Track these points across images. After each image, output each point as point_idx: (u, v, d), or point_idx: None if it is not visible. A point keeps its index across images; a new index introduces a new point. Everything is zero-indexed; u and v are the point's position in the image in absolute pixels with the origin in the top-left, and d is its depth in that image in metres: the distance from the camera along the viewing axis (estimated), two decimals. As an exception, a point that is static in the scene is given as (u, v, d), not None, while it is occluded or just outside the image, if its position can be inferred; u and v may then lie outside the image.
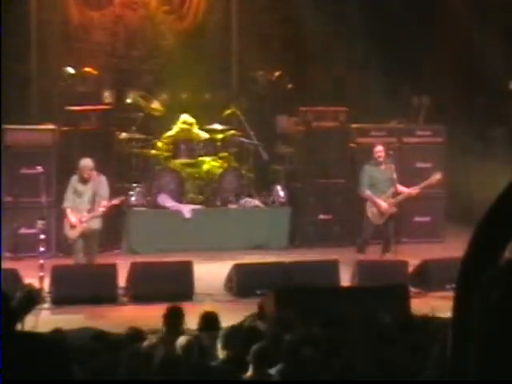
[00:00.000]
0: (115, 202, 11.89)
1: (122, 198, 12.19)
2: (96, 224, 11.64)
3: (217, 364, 6.46)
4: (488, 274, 0.79)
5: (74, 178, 11.82)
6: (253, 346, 6.34)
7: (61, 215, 12.17)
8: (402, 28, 14.64)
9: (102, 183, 11.79)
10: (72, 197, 11.70)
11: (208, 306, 10.52)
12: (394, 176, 12.63)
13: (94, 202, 11.68)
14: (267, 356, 6.30)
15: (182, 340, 6.86)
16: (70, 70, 14.40)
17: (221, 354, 6.81)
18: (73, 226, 11.60)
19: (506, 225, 0.85)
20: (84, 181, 11.72)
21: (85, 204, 11.67)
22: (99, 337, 7.46)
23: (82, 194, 11.72)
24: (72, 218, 11.59)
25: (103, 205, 11.65)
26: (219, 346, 6.83)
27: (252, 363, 6.25)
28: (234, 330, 7.26)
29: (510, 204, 0.86)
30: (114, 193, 12.54)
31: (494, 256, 0.79)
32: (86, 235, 11.61)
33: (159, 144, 14.50)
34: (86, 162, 11.80)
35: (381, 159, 12.67)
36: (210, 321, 7.80)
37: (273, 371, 6.16)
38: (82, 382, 5.18)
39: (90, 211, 11.62)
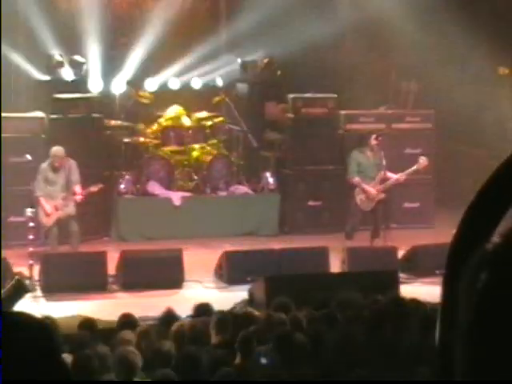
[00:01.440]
0: (93, 188, 11.90)
1: (100, 185, 12.17)
2: (70, 210, 11.68)
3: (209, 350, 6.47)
4: (475, 258, 0.79)
5: (44, 167, 11.84)
6: (240, 332, 6.36)
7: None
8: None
9: (72, 169, 11.83)
10: (43, 185, 11.74)
11: (198, 293, 10.55)
12: (383, 162, 12.66)
13: (67, 188, 11.72)
14: (254, 342, 6.32)
15: (174, 326, 6.88)
16: (58, 58, 14.33)
17: (213, 339, 6.83)
18: (48, 214, 11.62)
19: (495, 208, 0.84)
20: (55, 169, 11.75)
21: (58, 192, 11.71)
22: (88, 324, 7.46)
23: (55, 182, 11.76)
24: (46, 205, 11.62)
25: (80, 192, 11.68)
26: (212, 331, 6.85)
27: (239, 349, 6.27)
28: (226, 315, 7.28)
29: (499, 186, 0.85)
30: (101, 180, 12.54)
31: (482, 240, 0.79)
32: (61, 222, 11.64)
33: (148, 131, 14.47)
34: (57, 151, 11.84)
35: (376, 147, 12.67)
36: (203, 311, 7.80)
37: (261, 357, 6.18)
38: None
39: (64, 198, 11.65)
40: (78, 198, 11.71)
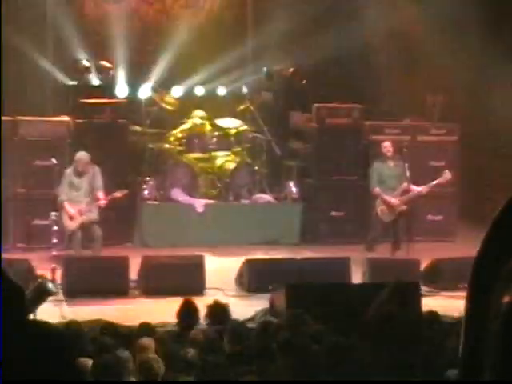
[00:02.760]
0: (117, 194, 11.96)
1: (125, 191, 12.24)
2: (93, 215, 11.74)
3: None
4: (507, 271, 0.79)
5: (69, 171, 11.91)
6: (257, 341, 6.37)
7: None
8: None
9: (96, 174, 11.89)
10: (68, 190, 11.81)
11: (216, 301, 10.55)
12: (407, 174, 12.64)
13: (91, 194, 11.79)
14: (270, 350, 6.32)
15: (191, 335, 6.90)
16: (85, 63, 14.43)
17: (227, 347, 6.84)
18: (71, 218, 11.68)
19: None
20: (79, 174, 11.82)
21: (81, 197, 11.78)
22: (109, 329, 7.49)
23: (79, 187, 11.82)
24: (70, 209, 11.69)
25: (103, 198, 11.74)
26: (225, 339, 6.86)
27: (254, 357, 6.28)
28: (241, 324, 7.29)
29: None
30: (125, 186, 12.59)
31: (508, 254, 0.80)
32: (84, 227, 11.70)
33: (172, 138, 14.52)
34: (82, 156, 11.92)
35: (389, 154, 12.74)
36: (219, 312, 7.81)
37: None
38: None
39: (88, 203, 11.71)
40: (102, 203, 11.78)
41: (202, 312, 8.16)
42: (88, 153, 12.34)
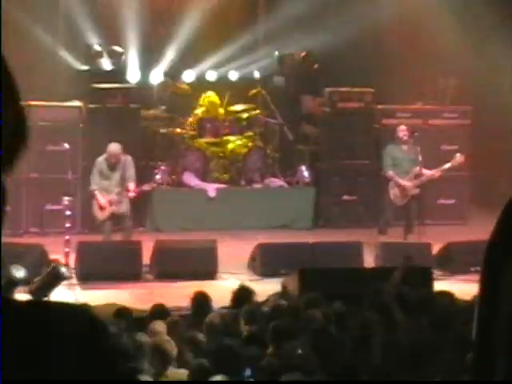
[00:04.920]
0: (146, 187, 11.96)
1: (154, 184, 12.26)
2: (124, 207, 11.69)
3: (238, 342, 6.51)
4: None
5: (101, 161, 11.81)
6: (271, 323, 6.40)
7: (86, 192, 12.25)
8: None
9: (128, 164, 11.81)
10: (98, 179, 11.73)
11: (231, 285, 10.59)
12: (419, 158, 12.62)
13: (122, 183, 11.72)
14: (285, 333, 6.35)
15: (207, 318, 6.93)
16: (97, 48, 14.44)
17: (244, 330, 6.87)
18: (102, 208, 11.64)
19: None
20: (111, 165, 11.76)
21: (113, 186, 11.72)
22: (122, 313, 7.53)
23: (110, 177, 11.76)
24: (101, 199, 11.63)
25: (133, 190, 11.68)
26: (242, 322, 6.89)
27: (270, 340, 6.31)
28: (256, 306, 7.32)
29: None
30: (139, 172, 12.58)
31: None
32: (115, 217, 11.68)
33: (185, 122, 14.53)
34: (114, 148, 11.80)
35: (405, 138, 12.72)
36: (244, 295, 7.84)
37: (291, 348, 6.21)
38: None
39: (119, 193, 11.65)
40: (131, 195, 11.71)
41: (215, 297, 8.19)
42: (99, 137, 12.33)
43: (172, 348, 6.11)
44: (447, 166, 12.71)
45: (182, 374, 5.96)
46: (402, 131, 12.81)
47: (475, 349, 0.87)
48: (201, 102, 14.66)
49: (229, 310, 7.56)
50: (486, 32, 14.15)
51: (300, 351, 6.07)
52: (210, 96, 14.60)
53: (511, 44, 13.66)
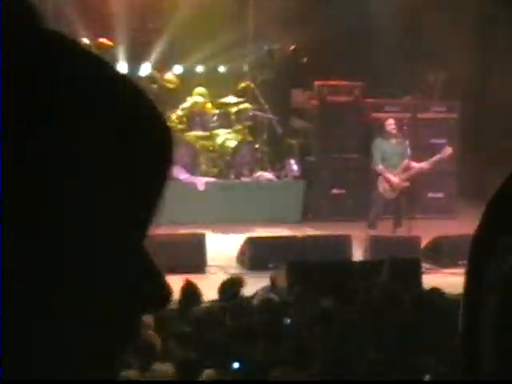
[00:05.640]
0: None
1: None
2: None
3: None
4: (503, 247, 0.79)
5: None
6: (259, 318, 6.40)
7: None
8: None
9: None
10: None
11: (220, 279, 10.59)
12: (408, 151, 12.64)
13: None
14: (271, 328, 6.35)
15: (194, 312, 6.92)
16: (85, 41, 14.39)
17: (229, 324, 6.87)
18: None
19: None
20: None
21: None
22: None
23: None
24: None
25: None
26: (228, 316, 6.89)
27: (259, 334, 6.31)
28: (243, 301, 7.32)
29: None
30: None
31: (507, 229, 0.80)
32: None
33: (173, 116, 14.51)
34: None
35: (393, 132, 12.74)
36: (233, 288, 7.83)
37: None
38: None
39: None
40: None
41: (203, 291, 8.17)
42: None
43: (157, 342, 6.10)
44: (436, 158, 12.73)
45: (168, 367, 5.95)
46: (391, 125, 12.84)
47: (461, 341, 0.86)
48: (190, 96, 14.63)
49: (216, 304, 7.55)
50: (475, 28, 14.17)
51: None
52: (199, 90, 14.58)
53: (500, 40, 13.69)
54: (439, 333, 6.15)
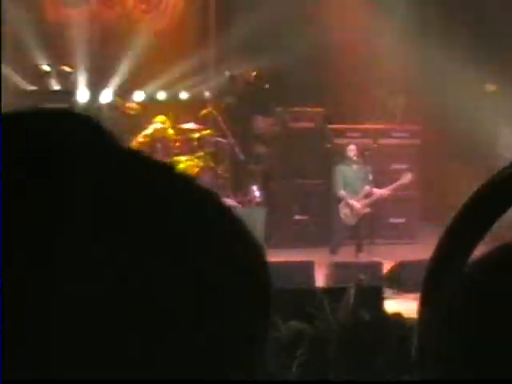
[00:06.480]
0: None
1: None
2: None
3: None
4: (448, 284, 0.79)
5: None
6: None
7: None
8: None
9: None
10: None
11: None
12: (370, 177, 12.69)
13: None
14: None
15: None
16: (46, 68, 14.32)
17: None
18: None
19: (475, 226, 0.84)
20: None
21: None
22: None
23: None
24: None
25: None
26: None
27: None
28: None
29: (480, 206, 0.85)
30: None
31: (458, 262, 0.79)
32: None
33: (134, 143, 14.44)
34: None
35: (354, 158, 12.80)
36: None
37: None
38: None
39: None
40: None
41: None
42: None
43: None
44: (396, 184, 12.79)
45: None
46: (352, 151, 12.90)
47: (417, 366, 0.85)
48: (152, 123, 14.60)
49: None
50: (435, 51, 14.30)
51: None
52: (161, 118, 14.56)
53: (460, 63, 13.82)
54: (400, 358, 6.14)
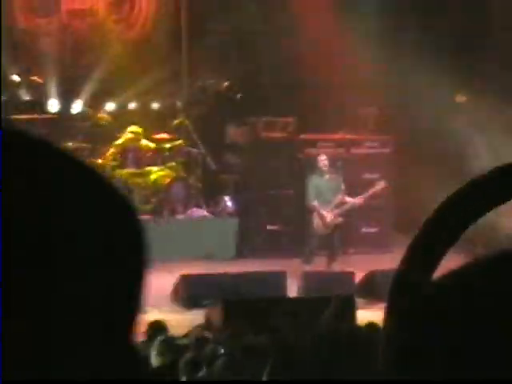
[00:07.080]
0: None
1: None
2: None
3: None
4: (406, 303, 0.78)
5: None
6: (183, 356, 6.34)
7: None
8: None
9: None
10: None
11: (154, 318, 10.43)
12: (342, 186, 12.69)
13: None
14: (196, 365, 6.31)
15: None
16: (16, 78, 14.22)
17: (155, 361, 6.79)
18: None
19: (441, 239, 0.82)
20: None
21: None
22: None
23: None
24: None
25: None
26: (153, 353, 6.81)
27: (182, 371, 6.25)
28: (170, 339, 7.25)
29: (447, 216, 0.83)
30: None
31: (425, 272, 0.77)
32: None
33: (107, 153, 14.37)
34: None
35: (325, 168, 12.80)
36: (158, 329, 7.74)
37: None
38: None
39: None
40: None
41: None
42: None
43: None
44: (369, 193, 12.80)
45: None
46: (323, 161, 12.89)
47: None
48: (123, 133, 14.53)
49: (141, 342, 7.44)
50: (407, 62, 14.34)
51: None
52: (133, 128, 14.50)
53: (432, 74, 13.87)
54: (373, 368, 6.11)
